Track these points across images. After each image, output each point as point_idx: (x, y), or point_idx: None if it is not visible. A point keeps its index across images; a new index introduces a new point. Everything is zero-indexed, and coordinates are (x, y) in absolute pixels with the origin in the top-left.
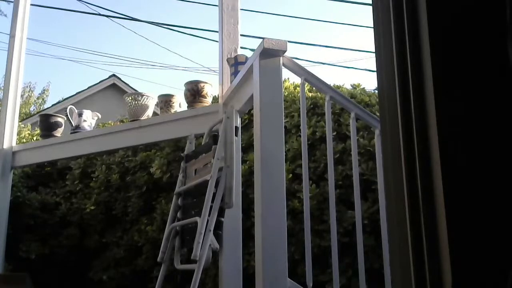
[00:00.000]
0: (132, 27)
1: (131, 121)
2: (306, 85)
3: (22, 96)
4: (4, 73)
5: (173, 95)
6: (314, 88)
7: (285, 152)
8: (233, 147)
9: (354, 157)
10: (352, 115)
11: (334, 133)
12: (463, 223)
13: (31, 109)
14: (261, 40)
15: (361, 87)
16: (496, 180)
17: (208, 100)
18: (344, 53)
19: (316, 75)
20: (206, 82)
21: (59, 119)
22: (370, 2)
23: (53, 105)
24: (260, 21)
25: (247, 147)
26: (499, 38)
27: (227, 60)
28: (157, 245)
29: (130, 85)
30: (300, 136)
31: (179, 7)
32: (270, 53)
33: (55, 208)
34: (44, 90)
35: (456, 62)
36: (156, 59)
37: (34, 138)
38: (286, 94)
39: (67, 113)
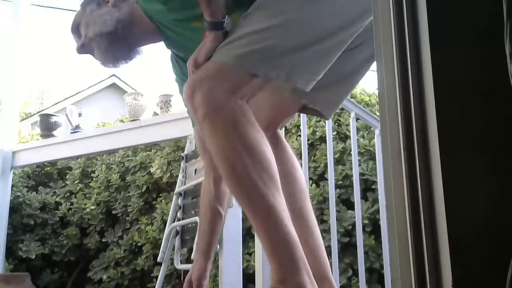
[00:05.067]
0: None
1: (131, 120)
2: None
3: (21, 95)
4: (4, 73)
5: (173, 95)
6: None
7: None
8: None
9: (354, 157)
10: (352, 115)
11: (334, 133)
12: (463, 222)
13: (31, 109)
14: None
15: (361, 87)
16: (497, 180)
17: None
18: None
19: None
20: None
21: (59, 119)
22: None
23: (53, 105)
24: None
25: None
26: (497, 37)
27: None
28: (157, 245)
29: (130, 84)
30: (300, 135)
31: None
32: None
33: (55, 208)
34: (43, 89)
35: (456, 62)
36: (157, 58)
37: (34, 138)
38: None
39: (66, 113)
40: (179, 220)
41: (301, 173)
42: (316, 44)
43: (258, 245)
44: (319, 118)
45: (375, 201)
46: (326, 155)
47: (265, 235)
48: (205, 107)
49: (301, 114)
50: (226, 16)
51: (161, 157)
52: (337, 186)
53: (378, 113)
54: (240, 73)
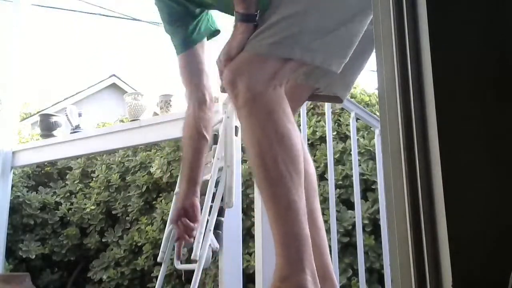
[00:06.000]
0: (133, 26)
1: (131, 120)
2: None
3: (21, 95)
4: (4, 73)
5: (173, 95)
6: None
7: None
8: (233, 146)
9: (354, 157)
10: (352, 115)
11: (334, 133)
12: (463, 222)
13: (31, 109)
14: None
15: (361, 87)
16: (497, 180)
17: None
18: None
19: None
20: None
21: (59, 119)
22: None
23: (53, 105)
24: None
25: None
26: (497, 37)
27: None
28: (157, 245)
29: (130, 84)
30: None
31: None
32: None
33: (55, 208)
34: (43, 89)
35: (456, 62)
36: (157, 58)
37: (34, 138)
38: None
39: (66, 113)
40: None
41: (313, 169)
42: (343, 26)
43: (258, 245)
44: (319, 118)
45: (375, 201)
46: (326, 155)
47: (280, 228)
48: (246, 94)
49: (301, 114)
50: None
51: (161, 157)
52: (337, 186)
53: (378, 113)
54: (275, 60)
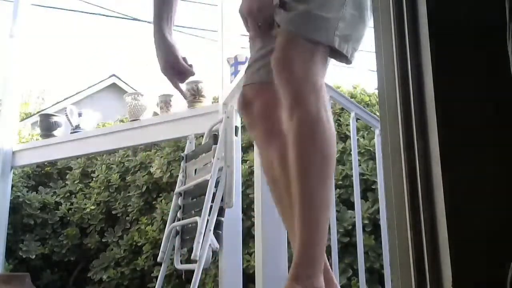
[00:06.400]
0: (133, 26)
1: (131, 121)
2: None
3: (21, 95)
4: (4, 73)
5: (173, 95)
6: None
7: None
8: (233, 146)
9: (354, 157)
10: (352, 115)
11: None
12: (463, 222)
13: (31, 109)
14: None
15: (361, 87)
16: (497, 180)
17: (208, 100)
18: None
19: None
20: (206, 82)
21: (59, 119)
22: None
23: (53, 105)
24: None
25: (247, 147)
26: (497, 36)
27: (227, 59)
28: (157, 245)
29: (130, 84)
30: None
31: (179, 7)
32: None
33: (55, 208)
34: (43, 89)
35: (456, 62)
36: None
37: (34, 138)
38: None
39: (66, 113)
40: (179, 220)
41: None
42: (369, 13)
43: (258, 245)
44: None
45: (375, 201)
46: None
47: (312, 228)
48: (302, 86)
49: None
50: None
51: (161, 157)
52: (337, 186)
53: (378, 113)
54: (320, 47)
